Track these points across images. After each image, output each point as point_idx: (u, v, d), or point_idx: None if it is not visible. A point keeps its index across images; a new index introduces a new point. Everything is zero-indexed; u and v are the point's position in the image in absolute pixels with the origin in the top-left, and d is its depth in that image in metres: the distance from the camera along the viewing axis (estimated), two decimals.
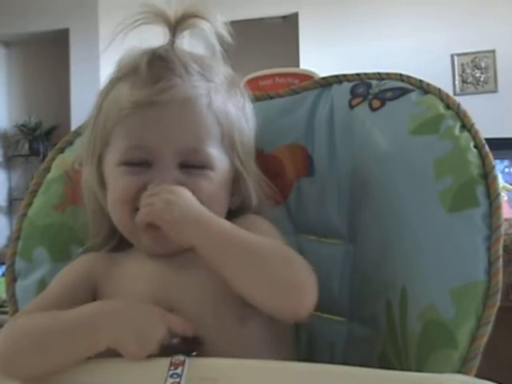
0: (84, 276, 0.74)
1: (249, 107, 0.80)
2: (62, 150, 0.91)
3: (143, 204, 0.69)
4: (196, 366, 0.61)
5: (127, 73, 0.75)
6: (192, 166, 0.72)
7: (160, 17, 0.77)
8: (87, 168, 0.78)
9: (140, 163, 0.72)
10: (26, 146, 5.22)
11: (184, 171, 0.72)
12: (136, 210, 0.71)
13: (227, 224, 0.68)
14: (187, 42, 0.79)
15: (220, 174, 0.74)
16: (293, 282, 0.66)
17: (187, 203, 0.68)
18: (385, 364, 0.72)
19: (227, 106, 0.76)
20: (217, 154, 0.74)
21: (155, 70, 0.73)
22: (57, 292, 0.73)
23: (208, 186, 0.73)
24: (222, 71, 0.78)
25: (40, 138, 5.16)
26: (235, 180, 0.77)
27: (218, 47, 0.78)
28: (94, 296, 0.73)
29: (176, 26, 0.77)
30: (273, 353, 0.68)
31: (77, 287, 0.73)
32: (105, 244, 0.79)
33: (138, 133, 0.72)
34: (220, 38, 0.78)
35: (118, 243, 0.79)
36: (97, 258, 0.77)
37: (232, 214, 0.77)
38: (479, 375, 0.64)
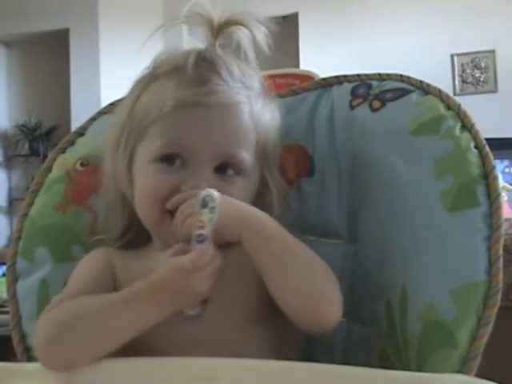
0: (105, 264, 0.75)
1: (275, 117, 0.80)
2: (63, 150, 0.91)
3: (183, 214, 0.68)
4: (196, 365, 0.61)
5: (171, 70, 0.74)
6: (226, 171, 0.73)
7: (205, 19, 0.77)
8: (113, 161, 0.78)
9: (174, 162, 0.72)
10: (26, 145, 5.22)
11: (218, 176, 0.73)
12: (166, 209, 0.71)
13: (275, 222, 0.69)
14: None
15: (251, 182, 0.75)
16: (327, 296, 0.67)
17: (229, 199, 0.69)
18: (385, 364, 0.72)
19: (264, 115, 0.76)
20: (251, 162, 0.74)
21: (202, 71, 0.73)
22: (83, 282, 0.74)
23: (238, 194, 0.72)
24: (258, 79, 0.78)
25: (40, 138, 5.16)
26: (260, 189, 0.78)
27: (252, 56, 0.78)
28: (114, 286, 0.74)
29: (218, 31, 0.77)
30: (276, 355, 0.68)
31: (101, 274, 0.74)
32: (120, 238, 0.80)
33: (177, 131, 0.72)
34: (256, 47, 0.78)
35: (132, 239, 0.79)
36: (110, 251, 0.78)
37: None
38: (479, 375, 0.64)
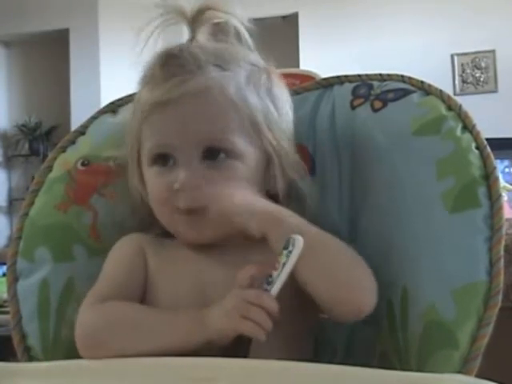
0: (137, 251, 0.77)
1: (279, 91, 0.79)
2: (63, 150, 0.90)
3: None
4: (196, 365, 0.61)
5: (146, 75, 0.77)
6: (218, 156, 0.73)
7: (178, 14, 0.78)
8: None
9: (167, 162, 0.74)
10: (26, 146, 5.22)
11: (209, 164, 0.73)
12: (176, 207, 0.73)
13: (297, 217, 0.70)
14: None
15: (248, 162, 0.75)
16: (360, 282, 0.68)
17: (255, 197, 0.70)
18: (385, 364, 0.72)
19: (245, 92, 0.75)
20: (240, 142, 0.74)
21: (168, 69, 0.74)
22: (117, 273, 0.76)
23: (236, 177, 0.73)
24: (244, 58, 0.78)
25: (40, 138, 5.15)
26: (268, 167, 0.77)
27: (244, 34, 0.79)
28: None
29: (193, 22, 0.78)
30: (288, 353, 0.68)
31: (134, 263, 0.76)
32: (150, 228, 0.81)
33: (158, 132, 0.75)
34: (241, 26, 0.79)
35: (159, 233, 0.80)
36: (141, 236, 0.79)
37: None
38: (480, 375, 0.64)
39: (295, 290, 0.67)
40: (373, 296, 0.68)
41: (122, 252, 0.78)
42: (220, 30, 0.80)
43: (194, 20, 0.78)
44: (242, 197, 0.69)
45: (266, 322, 0.62)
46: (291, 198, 0.79)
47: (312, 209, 0.78)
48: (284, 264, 0.63)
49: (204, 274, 0.74)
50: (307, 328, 0.75)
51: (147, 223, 0.80)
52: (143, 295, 0.75)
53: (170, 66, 0.74)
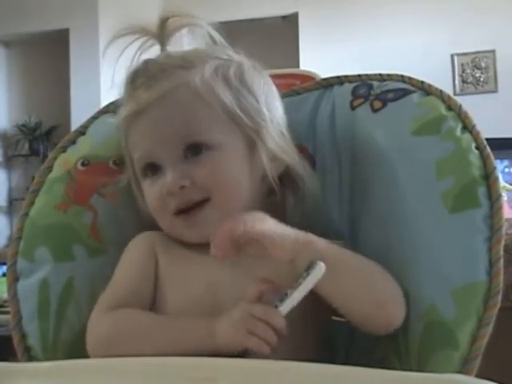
0: (147, 254, 0.78)
1: (252, 77, 0.78)
2: (64, 149, 0.90)
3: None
4: (196, 365, 0.61)
5: (123, 93, 0.79)
6: (201, 151, 0.73)
7: (144, 33, 0.79)
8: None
9: (156, 171, 0.75)
10: (26, 146, 5.21)
11: (194, 160, 0.73)
12: (172, 211, 0.74)
13: (325, 241, 0.68)
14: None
15: (231, 151, 0.75)
16: (389, 298, 0.68)
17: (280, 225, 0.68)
18: (385, 364, 0.72)
19: (213, 83, 0.75)
20: (217, 133, 0.74)
21: (136, 82, 0.76)
22: (128, 278, 0.77)
23: (222, 166, 0.74)
24: (211, 55, 0.78)
25: (40, 138, 5.15)
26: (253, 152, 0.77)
27: (212, 33, 0.80)
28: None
29: (160, 35, 0.79)
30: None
31: (145, 265, 0.77)
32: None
33: (138, 144, 0.77)
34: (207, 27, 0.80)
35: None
36: (156, 234, 0.80)
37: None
38: (480, 375, 0.64)
39: (311, 301, 0.66)
40: (401, 308, 0.69)
41: (134, 254, 0.79)
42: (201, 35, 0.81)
43: (160, 33, 0.79)
44: (273, 224, 0.68)
45: (271, 338, 0.62)
46: (287, 185, 0.79)
47: (312, 194, 0.79)
48: (300, 285, 0.63)
49: (214, 275, 0.73)
50: (316, 336, 0.75)
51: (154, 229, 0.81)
52: (154, 296, 0.76)
53: (137, 79, 0.76)
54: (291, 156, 0.78)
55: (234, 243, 0.65)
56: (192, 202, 0.74)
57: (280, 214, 0.78)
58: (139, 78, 0.76)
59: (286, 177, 0.79)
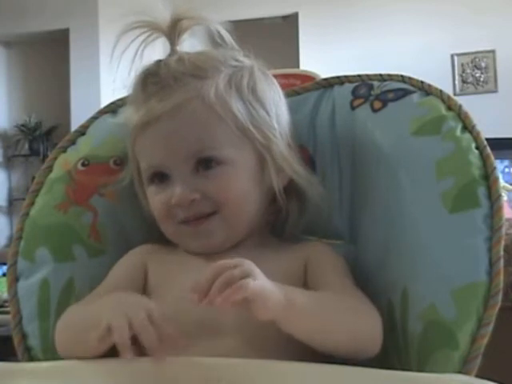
0: (137, 265, 0.78)
1: (264, 88, 0.78)
2: (64, 150, 0.90)
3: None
4: (196, 365, 0.61)
5: (130, 95, 0.78)
6: (210, 164, 0.73)
7: (154, 29, 0.78)
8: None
9: (164, 179, 0.75)
10: (26, 146, 5.21)
11: (203, 174, 0.73)
12: (178, 220, 0.74)
13: (300, 296, 0.64)
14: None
15: (241, 166, 0.75)
16: (367, 333, 0.68)
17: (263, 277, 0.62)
18: (385, 364, 0.72)
19: (227, 97, 0.74)
20: (229, 147, 0.74)
21: (147, 89, 0.75)
22: (112, 284, 0.76)
23: (232, 182, 0.74)
24: (224, 61, 0.77)
25: (40, 138, 5.14)
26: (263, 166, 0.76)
27: (224, 34, 0.79)
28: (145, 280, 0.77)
29: (170, 34, 0.78)
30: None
31: (131, 277, 0.77)
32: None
33: (148, 153, 0.76)
34: (217, 32, 0.79)
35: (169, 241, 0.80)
36: (153, 247, 0.80)
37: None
38: (480, 375, 0.64)
39: None
40: (380, 340, 0.68)
41: (122, 269, 0.79)
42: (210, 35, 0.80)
43: (171, 32, 0.78)
44: (262, 278, 0.61)
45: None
46: (291, 196, 0.79)
47: (315, 204, 0.79)
48: None
49: None
50: None
51: (157, 232, 0.81)
52: None
53: (149, 85, 0.75)
54: (296, 169, 0.78)
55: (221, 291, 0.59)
56: (200, 214, 0.74)
57: (281, 223, 0.78)
58: (151, 84, 0.75)
59: (290, 187, 0.79)
